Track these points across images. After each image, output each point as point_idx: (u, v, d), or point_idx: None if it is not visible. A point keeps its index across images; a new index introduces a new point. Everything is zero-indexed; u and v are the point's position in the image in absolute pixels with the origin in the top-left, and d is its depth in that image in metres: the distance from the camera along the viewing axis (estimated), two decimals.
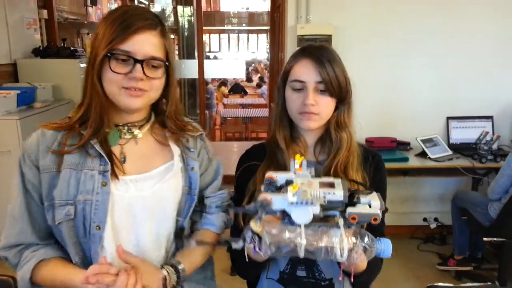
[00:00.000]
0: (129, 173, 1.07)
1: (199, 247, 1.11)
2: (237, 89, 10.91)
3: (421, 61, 3.48)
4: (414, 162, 3.21)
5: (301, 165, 0.86)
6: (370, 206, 0.76)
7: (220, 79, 11.39)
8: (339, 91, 1.13)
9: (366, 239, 0.76)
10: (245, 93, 10.81)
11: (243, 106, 9.21)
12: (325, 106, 1.13)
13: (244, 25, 18.99)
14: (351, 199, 0.78)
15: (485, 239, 2.93)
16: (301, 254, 0.76)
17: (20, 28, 4.09)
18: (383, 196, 1.23)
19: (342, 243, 0.74)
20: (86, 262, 1.04)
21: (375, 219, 0.74)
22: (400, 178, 3.36)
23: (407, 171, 3.32)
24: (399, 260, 3.26)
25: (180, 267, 1.06)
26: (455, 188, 3.57)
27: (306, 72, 1.12)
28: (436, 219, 3.66)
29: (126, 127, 1.11)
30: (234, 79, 11.30)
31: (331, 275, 1.18)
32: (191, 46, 6.99)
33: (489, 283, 1.53)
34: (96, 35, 1.01)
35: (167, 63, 1.05)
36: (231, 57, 18.39)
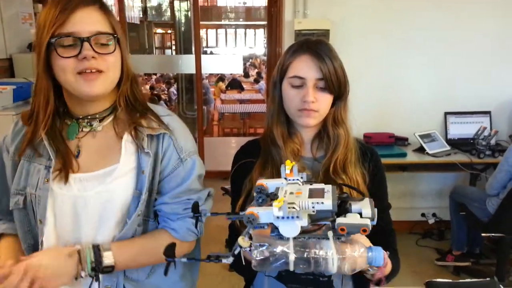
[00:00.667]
0: (81, 169, 1.04)
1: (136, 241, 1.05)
2: (234, 84, 10.88)
3: (420, 57, 3.46)
4: (412, 157, 3.21)
5: (291, 170, 0.84)
6: (361, 215, 0.75)
7: (218, 74, 11.36)
8: (338, 88, 1.11)
9: (355, 249, 0.74)
10: (242, 89, 10.78)
11: (241, 101, 9.19)
12: (324, 103, 1.11)
13: (241, 20, 18.91)
14: (343, 206, 0.76)
15: (483, 234, 2.92)
16: (291, 267, 0.74)
17: (15, 23, 4.07)
18: (385, 193, 1.23)
19: (332, 254, 0.73)
20: (35, 250, 1.05)
21: (364, 230, 0.72)
22: (398, 173, 3.36)
23: (405, 166, 3.31)
24: None
25: (103, 247, 0.99)
26: (453, 183, 3.57)
27: (306, 68, 1.10)
28: (434, 215, 3.65)
29: (86, 120, 1.06)
30: (231, 74, 11.27)
31: (329, 273, 1.17)
32: (188, 41, 6.95)
33: (487, 279, 1.52)
34: (38, 25, 0.97)
35: (115, 35, 1.00)
36: (229, 52, 18.34)
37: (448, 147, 3.29)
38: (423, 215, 3.68)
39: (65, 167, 1.02)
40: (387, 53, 3.45)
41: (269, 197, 0.81)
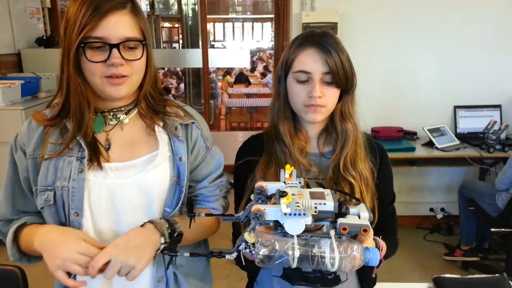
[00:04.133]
0: (113, 160, 1.04)
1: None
2: (241, 78, 10.84)
3: (429, 50, 3.42)
4: (421, 152, 3.18)
5: (291, 175, 0.86)
6: (359, 217, 0.78)
7: (225, 68, 11.34)
8: (346, 81, 1.08)
9: (355, 249, 0.76)
10: (249, 83, 10.75)
11: (248, 95, 9.16)
12: (331, 97, 1.09)
13: (248, 13, 18.84)
14: (340, 209, 0.79)
15: (492, 229, 2.91)
16: (294, 264, 0.76)
17: (23, 18, 4.08)
18: (391, 187, 1.22)
19: (332, 253, 0.75)
20: None
21: (364, 230, 0.75)
22: (407, 168, 3.35)
23: (414, 161, 3.29)
24: (405, 251, 3.24)
25: (169, 218, 1.01)
26: (462, 178, 3.55)
27: (312, 62, 1.07)
28: (443, 209, 3.63)
29: (111, 113, 1.07)
30: (238, 68, 11.23)
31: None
32: (195, 35, 6.94)
33: (496, 274, 1.51)
34: (67, 23, 0.97)
35: (144, 42, 1.00)
36: (236, 46, 18.29)
37: (457, 141, 3.26)
38: (431, 209, 3.66)
39: (96, 155, 1.02)
40: (396, 46, 3.42)
41: (268, 199, 0.84)
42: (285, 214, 0.74)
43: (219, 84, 9.58)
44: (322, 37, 1.08)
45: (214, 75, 9.46)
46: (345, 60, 1.08)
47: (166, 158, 1.06)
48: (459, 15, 3.35)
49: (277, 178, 0.93)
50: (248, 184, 1.14)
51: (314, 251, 0.75)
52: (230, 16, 19.15)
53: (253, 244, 0.78)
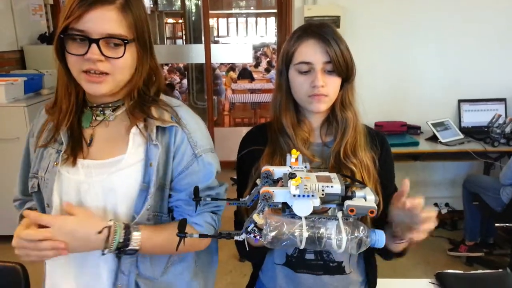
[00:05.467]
0: (91, 157, 1.03)
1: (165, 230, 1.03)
2: (245, 74, 10.81)
3: (433, 43, 3.40)
4: (424, 146, 3.17)
5: (297, 159, 0.87)
6: (365, 200, 0.79)
7: (229, 64, 11.31)
8: (346, 70, 1.10)
9: (362, 231, 0.78)
10: (253, 78, 10.72)
11: (252, 91, 9.14)
12: (333, 86, 1.11)
13: (252, 8, 18.77)
14: (346, 193, 0.80)
15: (496, 224, 2.90)
16: (302, 245, 0.77)
17: (26, 15, 4.09)
18: (393, 177, 1.23)
19: (340, 234, 0.76)
20: None
21: (371, 212, 0.75)
22: (411, 162, 3.33)
23: (418, 155, 3.28)
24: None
25: (133, 227, 0.98)
26: (466, 172, 3.53)
27: (312, 53, 1.09)
28: (447, 204, 3.62)
29: (99, 108, 1.06)
30: (242, 64, 11.20)
31: (340, 259, 1.18)
32: (198, 31, 6.91)
33: (500, 270, 1.50)
34: (63, 10, 0.95)
35: (126, 41, 0.95)
36: (240, 41, 18.25)
37: (461, 136, 3.25)
38: (436, 204, 3.64)
39: (74, 151, 1.02)
40: (399, 39, 3.40)
41: (275, 183, 0.86)
42: (294, 195, 0.75)
43: (223, 80, 9.55)
44: (321, 28, 1.10)
45: (219, 70, 9.44)
46: (344, 49, 1.10)
47: (137, 162, 1.01)
48: (463, 9, 3.32)
49: None
50: (252, 174, 1.14)
51: (321, 232, 0.76)
52: (233, 11, 19.08)
53: (259, 229, 0.79)
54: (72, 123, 1.04)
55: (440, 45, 3.40)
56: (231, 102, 8.12)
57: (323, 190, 0.77)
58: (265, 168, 0.87)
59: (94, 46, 0.92)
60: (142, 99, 1.05)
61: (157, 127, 1.03)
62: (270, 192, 0.77)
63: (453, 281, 1.42)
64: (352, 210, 0.75)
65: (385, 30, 3.38)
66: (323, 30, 1.09)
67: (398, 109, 3.46)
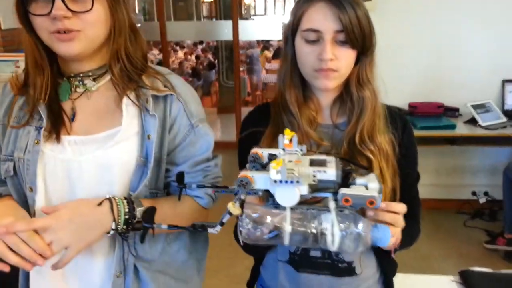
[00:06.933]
0: (75, 133, 0.94)
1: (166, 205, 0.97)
2: (280, 53, 10.64)
3: (475, 17, 3.18)
4: (462, 129, 3.03)
5: (291, 141, 0.76)
6: (366, 188, 0.67)
7: (263, 41, 11.14)
8: (363, 41, 0.95)
9: (360, 225, 0.66)
10: None
11: None
12: (345, 60, 0.96)
13: None
14: (346, 180, 0.69)
15: None
16: (286, 241, 0.66)
17: None
18: (415, 163, 1.11)
19: (333, 229, 0.66)
20: None
21: (371, 202, 0.64)
22: (447, 147, 3.16)
23: (455, 139, 3.11)
24: (442, 236, 3.08)
25: (134, 200, 0.90)
26: (508, 159, 3.31)
27: (322, 18, 0.93)
28: (486, 193, 3.45)
29: (78, 78, 0.96)
30: (278, 41, 11.01)
31: (350, 259, 1.06)
32: (231, 9, 6.84)
33: None
34: None
35: None
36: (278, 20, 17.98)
37: (504, 119, 3.07)
38: (473, 193, 3.48)
39: (56, 127, 0.93)
40: (437, 14, 3.18)
41: (264, 168, 0.74)
42: (275, 181, 0.64)
43: (259, 59, 9.47)
44: None
45: (252, 50, 9.34)
46: (362, 15, 0.93)
47: (132, 134, 0.94)
48: None
49: None
50: None
51: (312, 226, 0.66)
52: None
53: (240, 216, 0.69)
54: (50, 96, 0.94)
55: (484, 20, 3.18)
56: (264, 82, 8.04)
57: (314, 176, 0.66)
58: (253, 151, 0.75)
59: (57, 1, 0.82)
60: (130, 63, 0.96)
61: (152, 96, 0.96)
62: (249, 177, 0.67)
63: (479, 280, 1.27)
64: (347, 200, 0.65)
65: (421, 3, 3.17)
66: None
67: (435, 89, 3.29)
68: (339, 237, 0.64)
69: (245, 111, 4.95)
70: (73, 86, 0.97)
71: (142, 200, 0.92)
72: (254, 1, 19.12)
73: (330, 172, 0.66)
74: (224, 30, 4.70)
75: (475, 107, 3.06)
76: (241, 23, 4.53)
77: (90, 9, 0.86)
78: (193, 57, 10.45)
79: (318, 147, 1.01)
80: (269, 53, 10.83)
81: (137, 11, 7.81)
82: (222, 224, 0.70)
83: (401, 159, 1.03)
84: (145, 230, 0.74)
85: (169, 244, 1.04)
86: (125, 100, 0.94)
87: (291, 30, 1.00)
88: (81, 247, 0.85)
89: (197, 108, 1.02)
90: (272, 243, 0.68)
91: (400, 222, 0.81)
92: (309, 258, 1.06)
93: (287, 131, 0.75)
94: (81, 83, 0.96)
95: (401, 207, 0.81)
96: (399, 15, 3.08)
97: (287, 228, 0.65)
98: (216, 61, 8.22)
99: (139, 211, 0.89)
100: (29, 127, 0.95)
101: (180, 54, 10.58)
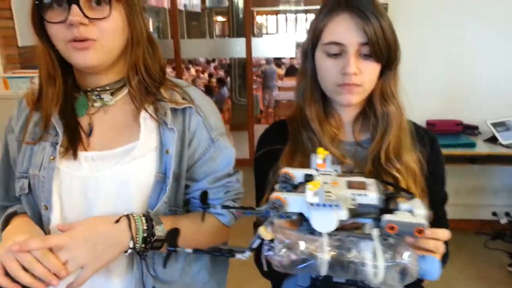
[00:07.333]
0: (92, 149, 0.91)
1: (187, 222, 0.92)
2: (292, 71, 10.68)
3: (496, 30, 3.10)
4: (482, 148, 2.94)
5: (324, 160, 0.71)
6: (412, 214, 0.62)
7: (275, 59, 11.21)
8: (388, 54, 0.91)
9: (406, 256, 0.59)
10: None
11: None
12: (369, 74, 0.92)
13: (301, 4, 18.61)
14: (387, 205, 0.63)
15: None
16: (323, 271, 0.61)
17: None
18: (443, 183, 1.06)
19: (376, 260, 0.59)
20: None
21: (419, 231, 0.58)
22: (467, 166, 3.08)
23: (475, 158, 3.04)
24: (463, 258, 2.98)
25: (154, 219, 0.86)
26: None
27: (345, 31, 0.90)
28: (507, 214, 3.35)
29: (95, 93, 0.93)
30: (290, 59, 11.05)
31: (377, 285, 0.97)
32: (242, 27, 6.93)
33: None
34: None
35: None
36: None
37: None
38: (494, 214, 3.38)
39: (73, 142, 0.90)
40: (457, 28, 3.12)
41: (295, 189, 0.69)
42: (311, 204, 0.59)
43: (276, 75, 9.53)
44: (357, 0, 0.91)
45: (268, 66, 9.42)
46: (387, 27, 0.90)
47: (151, 149, 0.91)
48: None
49: None
50: (270, 178, 0.98)
51: (351, 255, 0.60)
52: (281, 8, 19.03)
53: (272, 241, 0.64)
54: (63, 110, 0.92)
55: (505, 33, 3.09)
56: (276, 100, 8.07)
57: (353, 200, 0.61)
58: (284, 170, 0.71)
59: (74, 7, 0.80)
60: (148, 76, 0.93)
61: (171, 109, 0.93)
62: (282, 199, 0.62)
63: None
64: (392, 228, 0.59)
65: (441, 18, 3.11)
66: (359, 1, 0.90)
67: (453, 106, 3.21)
68: (383, 268, 0.58)
69: (257, 128, 4.94)
70: (90, 100, 0.94)
71: (161, 218, 0.88)
72: (266, 20, 19.32)
73: (371, 195, 0.61)
74: (236, 47, 4.73)
75: (495, 125, 2.98)
76: (254, 40, 4.56)
77: (108, 17, 0.84)
78: (205, 74, 10.55)
79: (341, 166, 0.97)
80: (281, 71, 10.87)
81: (151, 30, 7.94)
82: (251, 249, 0.66)
83: (429, 177, 0.98)
84: (168, 254, 0.70)
85: (189, 264, 1.00)
86: (143, 113, 0.91)
87: (311, 44, 0.97)
88: (98, 266, 0.81)
89: (217, 121, 0.99)
90: (306, 272, 0.63)
91: (442, 249, 0.75)
92: (333, 284, 0.99)
93: (320, 150, 0.71)
94: (98, 97, 0.94)
95: (446, 234, 0.75)
96: (417, 29, 3.04)
97: (325, 256, 0.59)
98: (228, 78, 8.30)
99: (158, 229, 0.85)
100: (45, 143, 0.92)
101: (193, 71, 10.69)
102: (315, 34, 0.95)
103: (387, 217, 0.59)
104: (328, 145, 0.96)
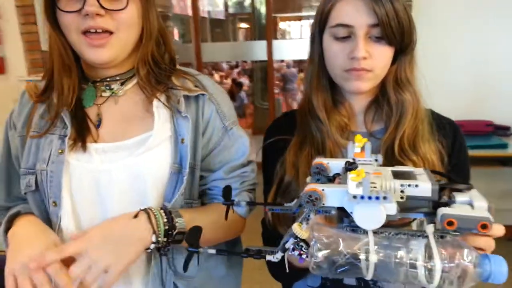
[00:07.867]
0: (102, 140, 0.89)
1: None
2: None
3: None
4: None
5: (363, 149, 0.65)
6: (472, 207, 0.56)
7: (296, 63, 11.28)
8: (401, 36, 0.85)
9: (467, 256, 0.53)
10: None
11: None
12: (381, 59, 0.87)
13: None
14: (441, 197, 0.57)
15: None
16: (369, 274, 0.54)
17: None
18: (467, 174, 1.00)
19: (431, 260, 0.52)
20: None
21: (483, 226, 0.52)
22: (498, 168, 3.06)
23: (506, 160, 3.00)
24: None
25: (173, 212, 0.83)
26: None
27: (353, 11, 0.84)
28: None
29: (105, 83, 0.92)
30: None
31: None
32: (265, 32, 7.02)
33: None
34: None
35: None
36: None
37: None
38: None
39: (82, 133, 0.88)
40: (487, 25, 3.05)
41: (330, 182, 0.64)
42: (355, 197, 0.53)
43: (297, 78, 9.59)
44: None
45: (288, 70, 9.46)
46: (400, 8, 0.84)
47: (165, 139, 0.89)
48: None
49: (311, 163, 0.73)
50: (277, 170, 0.94)
51: (400, 256, 0.53)
52: (304, 13, 19.11)
53: (305, 241, 0.59)
54: (71, 103, 0.90)
55: None
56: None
57: (402, 191, 0.54)
58: (317, 160, 0.67)
59: None
60: (157, 67, 0.92)
61: (184, 96, 0.91)
62: (319, 192, 0.56)
63: None
64: (451, 223, 0.52)
65: (470, 14, 3.06)
66: None
67: (483, 106, 3.16)
68: (439, 270, 0.51)
69: None
70: (99, 91, 0.93)
71: (181, 210, 0.86)
72: (289, 26, 19.39)
73: (424, 186, 0.54)
74: (258, 50, 4.75)
75: None
76: (275, 43, 4.56)
77: (125, 8, 0.82)
78: (229, 80, 10.65)
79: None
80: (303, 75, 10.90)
81: (176, 38, 8.11)
82: (284, 250, 0.60)
83: (451, 170, 0.92)
84: (190, 255, 0.64)
85: (206, 259, 0.98)
86: (155, 102, 0.90)
87: (318, 27, 0.92)
88: (122, 267, 0.77)
89: (230, 110, 0.98)
90: (347, 276, 0.58)
91: (493, 246, 0.67)
92: (343, 286, 0.94)
93: (358, 137, 0.65)
94: (107, 88, 0.92)
95: (501, 230, 0.68)
96: (444, 27, 2.97)
97: (372, 258, 0.52)
98: (248, 82, 8.35)
99: (178, 221, 0.83)
100: (52, 135, 0.89)
101: (216, 77, 10.81)
102: (322, 16, 0.90)
103: (444, 210, 0.52)
104: (336, 135, 0.92)
